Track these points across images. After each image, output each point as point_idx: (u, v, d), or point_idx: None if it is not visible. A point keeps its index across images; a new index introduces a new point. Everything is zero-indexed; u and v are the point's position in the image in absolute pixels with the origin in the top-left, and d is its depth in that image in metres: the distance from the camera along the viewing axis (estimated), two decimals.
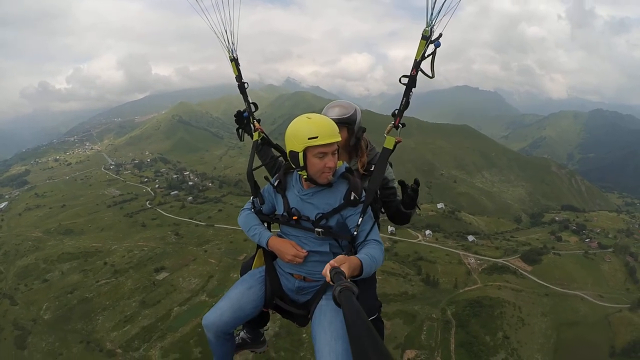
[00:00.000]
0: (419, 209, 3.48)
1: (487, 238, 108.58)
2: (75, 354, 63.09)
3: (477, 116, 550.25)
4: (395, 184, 3.44)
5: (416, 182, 3.18)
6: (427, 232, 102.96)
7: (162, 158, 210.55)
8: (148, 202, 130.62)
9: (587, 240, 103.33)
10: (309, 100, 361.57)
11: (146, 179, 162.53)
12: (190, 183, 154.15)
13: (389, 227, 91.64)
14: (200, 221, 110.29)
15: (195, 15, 3.39)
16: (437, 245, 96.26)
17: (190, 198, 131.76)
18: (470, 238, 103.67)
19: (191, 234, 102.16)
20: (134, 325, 68.15)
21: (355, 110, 3.39)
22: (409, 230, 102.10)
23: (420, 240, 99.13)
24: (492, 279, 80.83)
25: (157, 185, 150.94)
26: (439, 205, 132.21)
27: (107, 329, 68.03)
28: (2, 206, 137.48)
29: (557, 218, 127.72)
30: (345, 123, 3.31)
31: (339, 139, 2.72)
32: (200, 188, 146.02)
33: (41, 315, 72.93)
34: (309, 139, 2.60)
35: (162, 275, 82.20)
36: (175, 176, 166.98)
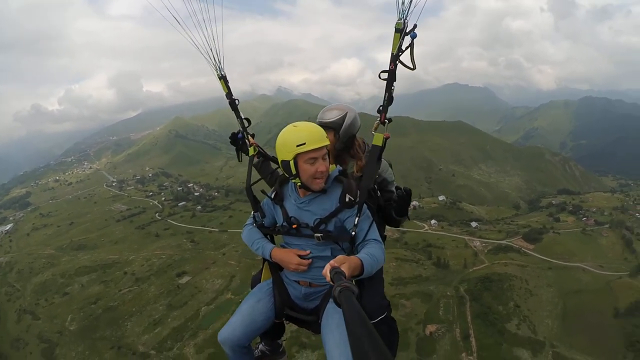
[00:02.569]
0: (409, 219, 3.55)
1: (489, 224, 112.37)
2: None
3: (469, 112, 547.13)
4: (394, 187, 3.45)
5: (406, 190, 3.19)
6: (433, 221, 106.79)
7: (163, 172, 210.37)
8: (157, 214, 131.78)
9: (584, 218, 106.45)
10: (301, 108, 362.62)
11: (151, 193, 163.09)
12: (197, 194, 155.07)
13: None
14: (213, 227, 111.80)
15: (184, 30, 3.29)
16: (443, 233, 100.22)
17: (199, 207, 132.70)
18: (474, 224, 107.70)
19: (206, 240, 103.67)
20: (164, 327, 69.32)
21: (345, 115, 3.42)
22: (414, 221, 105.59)
23: (427, 230, 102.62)
24: (498, 257, 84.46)
25: (163, 198, 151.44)
26: (440, 198, 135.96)
27: (137, 333, 69.03)
28: (7, 228, 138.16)
29: (553, 202, 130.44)
30: (329, 127, 3.38)
31: (328, 142, 2.77)
32: (207, 198, 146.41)
33: (67, 326, 73.59)
34: (298, 146, 2.65)
35: (185, 279, 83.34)
36: (180, 188, 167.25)
